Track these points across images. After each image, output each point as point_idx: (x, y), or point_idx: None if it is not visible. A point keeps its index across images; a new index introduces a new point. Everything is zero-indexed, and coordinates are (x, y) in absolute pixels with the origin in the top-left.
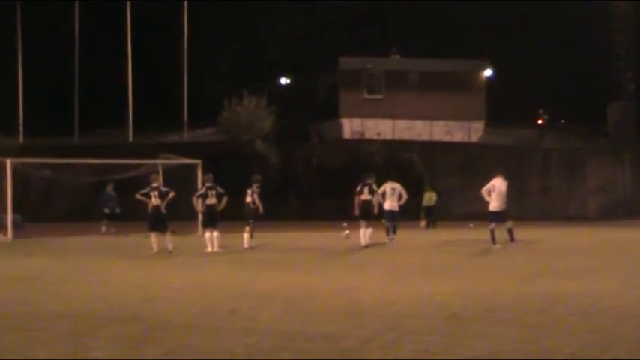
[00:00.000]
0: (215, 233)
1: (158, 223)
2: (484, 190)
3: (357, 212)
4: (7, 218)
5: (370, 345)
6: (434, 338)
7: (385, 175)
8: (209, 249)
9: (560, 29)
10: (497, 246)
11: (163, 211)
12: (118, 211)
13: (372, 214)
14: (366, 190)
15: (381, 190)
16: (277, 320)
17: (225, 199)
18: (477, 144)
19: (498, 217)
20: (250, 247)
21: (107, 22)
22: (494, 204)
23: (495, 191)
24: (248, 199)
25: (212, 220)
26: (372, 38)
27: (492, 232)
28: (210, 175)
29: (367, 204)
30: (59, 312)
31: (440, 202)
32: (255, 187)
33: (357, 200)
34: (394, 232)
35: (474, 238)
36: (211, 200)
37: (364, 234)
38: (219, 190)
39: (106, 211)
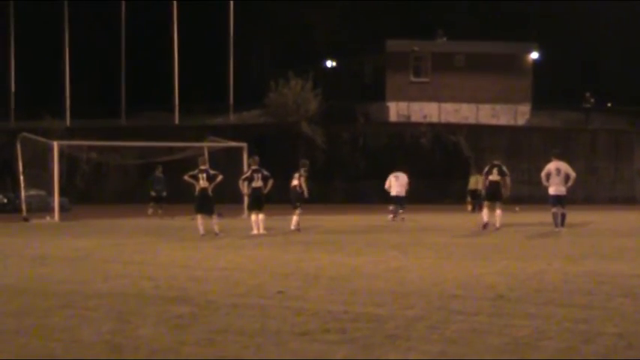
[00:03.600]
0: (261, 216)
1: (205, 205)
2: (543, 174)
3: (483, 193)
4: (54, 200)
5: (417, 325)
6: (481, 318)
7: (431, 159)
8: (255, 231)
9: (606, 10)
10: (562, 229)
11: (210, 193)
12: (164, 194)
13: (499, 195)
14: (495, 170)
15: (387, 184)
16: (324, 300)
17: (270, 182)
18: (522, 127)
19: (562, 201)
20: (297, 230)
21: (153, 4)
22: (560, 187)
23: (561, 175)
24: (295, 182)
25: (258, 202)
26: (418, 20)
27: (555, 215)
28: (257, 157)
29: (496, 185)
30: (106, 291)
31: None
32: (302, 171)
33: (485, 181)
34: (401, 210)
35: (519, 222)
36: (257, 183)
37: (487, 214)
38: (265, 172)
39: (153, 193)
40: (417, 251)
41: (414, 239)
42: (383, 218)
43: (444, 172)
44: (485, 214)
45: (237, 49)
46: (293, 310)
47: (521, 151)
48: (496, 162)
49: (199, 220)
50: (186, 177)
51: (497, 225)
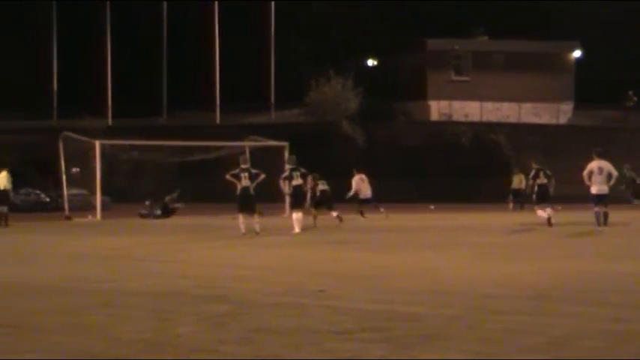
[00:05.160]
0: (299, 214)
1: (247, 204)
2: (585, 173)
3: (534, 197)
4: (96, 199)
5: (455, 324)
6: (518, 318)
7: (470, 158)
8: (297, 230)
9: None
10: (605, 228)
11: (252, 192)
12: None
13: (549, 196)
14: (542, 174)
15: (358, 186)
16: (361, 299)
17: (309, 179)
18: (563, 125)
19: (604, 200)
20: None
21: (195, 3)
22: (602, 187)
23: (603, 174)
24: (324, 187)
25: (299, 200)
26: (458, 19)
27: (598, 214)
28: (293, 156)
29: (545, 187)
30: (145, 289)
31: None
32: (313, 176)
33: (532, 185)
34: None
35: (560, 221)
36: (297, 181)
37: (550, 214)
38: (303, 170)
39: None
40: (454, 250)
41: (451, 238)
42: (421, 217)
43: (483, 171)
44: (541, 213)
45: (277, 47)
46: (330, 308)
47: (562, 149)
48: (538, 166)
49: (240, 219)
50: (227, 176)
51: (553, 221)
